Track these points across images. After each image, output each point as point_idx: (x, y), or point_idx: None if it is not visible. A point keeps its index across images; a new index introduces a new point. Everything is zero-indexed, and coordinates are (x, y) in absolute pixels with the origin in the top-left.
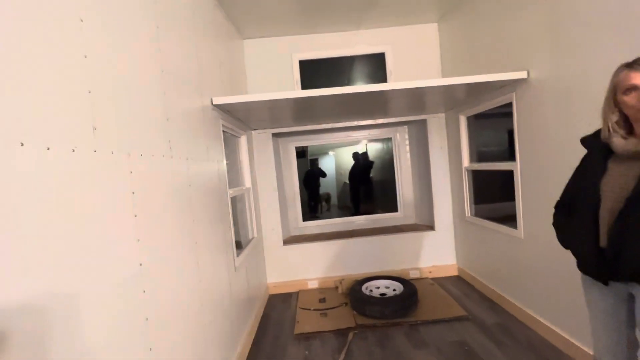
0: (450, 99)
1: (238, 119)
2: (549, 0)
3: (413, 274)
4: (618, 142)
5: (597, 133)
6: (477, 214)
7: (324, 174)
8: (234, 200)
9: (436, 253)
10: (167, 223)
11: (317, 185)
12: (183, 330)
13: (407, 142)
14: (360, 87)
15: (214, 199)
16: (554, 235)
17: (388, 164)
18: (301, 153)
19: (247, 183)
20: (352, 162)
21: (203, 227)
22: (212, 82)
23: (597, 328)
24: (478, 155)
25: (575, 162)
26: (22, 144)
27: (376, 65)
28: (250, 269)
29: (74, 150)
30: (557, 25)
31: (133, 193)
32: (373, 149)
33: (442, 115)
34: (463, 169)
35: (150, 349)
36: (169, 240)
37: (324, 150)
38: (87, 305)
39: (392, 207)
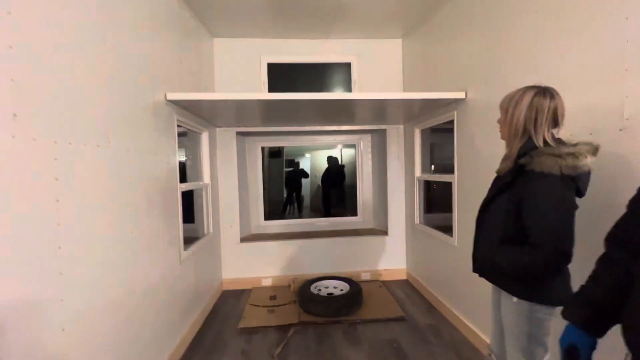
0: (406, 112)
1: (201, 116)
2: (485, 31)
3: (364, 276)
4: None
5: None
6: (428, 222)
7: (306, 175)
8: (193, 195)
9: (388, 257)
10: (96, 210)
11: (299, 185)
12: (112, 315)
13: (369, 149)
14: (317, 94)
15: (161, 192)
16: None
17: None
18: (277, 153)
19: (206, 179)
20: (326, 165)
21: (146, 218)
22: (169, 77)
23: (492, 319)
24: (436, 167)
25: None
26: None
27: (342, 74)
28: (200, 264)
29: None
30: (489, 54)
31: (56, 179)
32: (347, 154)
33: (401, 126)
34: (415, 179)
35: (63, 330)
36: (97, 226)
37: (300, 152)
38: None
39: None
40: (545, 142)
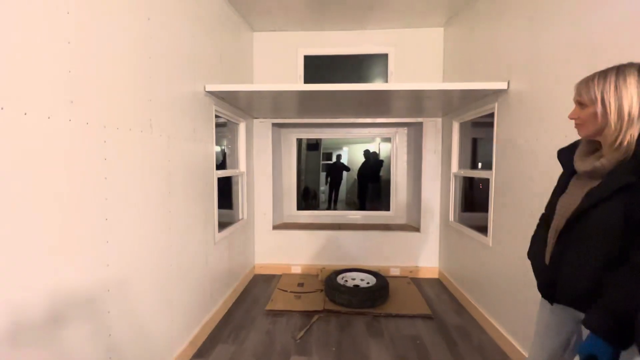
0: (443, 103)
1: (238, 107)
2: (528, 15)
3: (393, 272)
4: (577, 159)
5: (573, 145)
6: (464, 221)
7: (347, 168)
8: (230, 181)
9: (420, 254)
10: (138, 188)
11: (340, 178)
12: (148, 283)
13: (405, 143)
14: (351, 85)
15: (198, 177)
16: (517, 245)
17: None
18: (315, 146)
19: (242, 167)
20: (363, 159)
21: (182, 200)
22: (209, 70)
23: (537, 343)
24: (483, 164)
25: (543, 175)
26: (1, 108)
27: (379, 66)
28: (233, 247)
29: (49, 118)
30: (533, 40)
31: (105, 159)
32: (385, 149)
33: (439, 119)
34: (451, 174)
35: (108, 290)
36: (139, 201)
37: (338, 145)
38: (55, 257)
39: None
40: None
